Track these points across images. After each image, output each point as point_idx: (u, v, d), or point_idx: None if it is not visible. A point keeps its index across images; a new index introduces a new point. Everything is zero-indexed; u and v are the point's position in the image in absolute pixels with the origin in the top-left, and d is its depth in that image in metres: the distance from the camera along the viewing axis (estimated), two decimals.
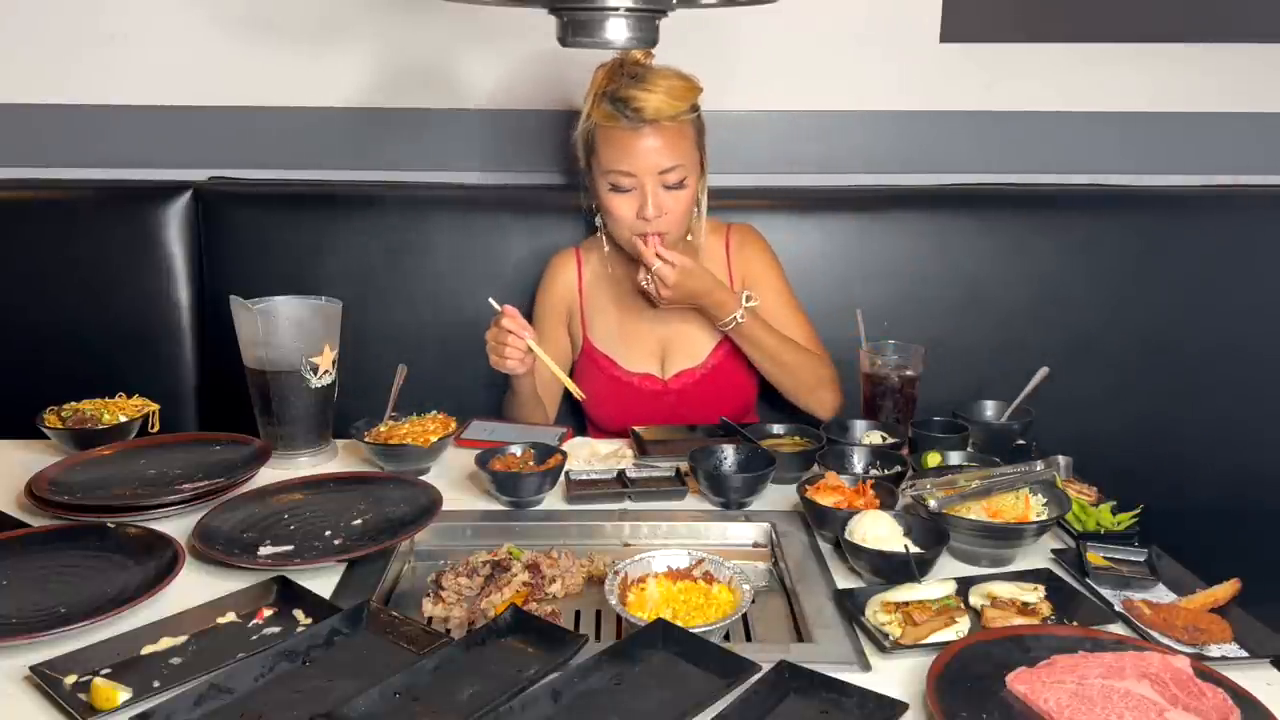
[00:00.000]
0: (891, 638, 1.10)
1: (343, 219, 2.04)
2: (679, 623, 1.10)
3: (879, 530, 1.26)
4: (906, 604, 1.14)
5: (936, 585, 1.17)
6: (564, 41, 1.25)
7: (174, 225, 2.03)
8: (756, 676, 1.01)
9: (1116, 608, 1.18)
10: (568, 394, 1.89)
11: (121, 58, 2.10)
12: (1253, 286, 2.06)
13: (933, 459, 1.49)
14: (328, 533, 1.33)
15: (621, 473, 1.53)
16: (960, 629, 1.11)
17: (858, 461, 1.51)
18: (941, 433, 1.59)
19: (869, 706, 0.97)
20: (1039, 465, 1.40)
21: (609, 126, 1.66)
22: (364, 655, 1.07)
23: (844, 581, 1.25)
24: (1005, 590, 1.18)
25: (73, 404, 1.67)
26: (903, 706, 0.97)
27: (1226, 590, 1.17)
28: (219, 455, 1.57)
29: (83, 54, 2.10)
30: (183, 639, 1.10)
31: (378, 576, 1.26)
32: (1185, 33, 2.11)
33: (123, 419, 1.64)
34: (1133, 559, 1.28)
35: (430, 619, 1.22)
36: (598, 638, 1.20)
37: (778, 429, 1.63)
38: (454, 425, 1.62)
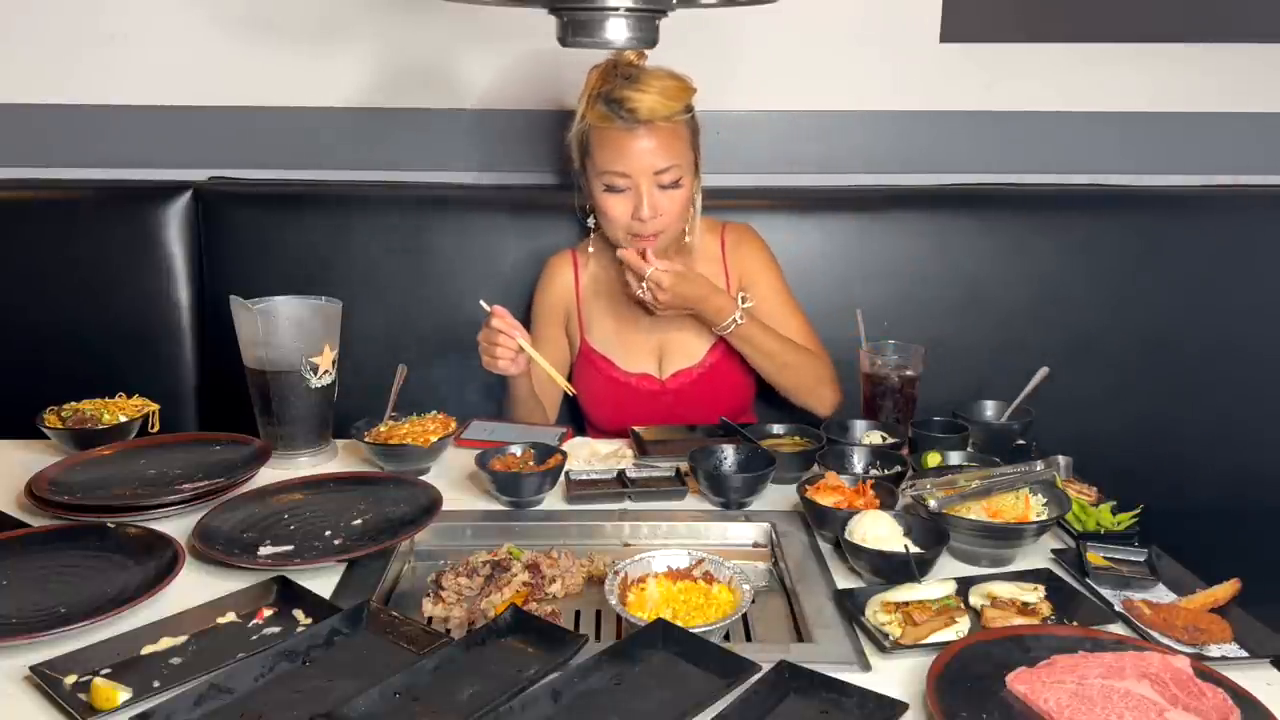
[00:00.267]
0: (891, 638, 1.10)
1: (343, 219, 2.04)
2: (679, 623, 1.10)
3: (879, 530, 1.26)
4: (906, 604, 1.14)
5: (936, 585, 1.17)
6: (564, 42, 1.25)
7: (174, 225, 2.03)
8: (756, 676, 1.01)
9: (1116, 608, 1.18)
10: (568, 394, 1.90)
11: (121, 58, 2.10)
12: (1253, 286, 2.06)
13: (933, 459, 1.49)
14: (328, 533, 1.33)
15: (621, 473, 1.53)
16: (960, 629, 1.11)
17: (858, 461, 1.51)
18: (941, 433, 1.59)
19: (869, 706, 0.97)
20: (1039, 465, 1.40)
21: (603, 127, 1.67)
22: (364, 655, 1.07)
23: (844, 581, 1.25)
24: (1005, 590, 1.18)
25: (73, 404, 1.67)
26: (903, 706, 0.97)
27: (1226, 590, 1.17)
28: (219, 455, 1.57)
29: (83, 54, 2.10)
30: (183, 639, 1.10)
31: (378, 576, 1.26)
32: (1185, 33, 2.11)
33: (123, 419, 1.64)
34: (1133, 559, 1.28)
35: (430, 619, 1.22)
36: (598, 638, 1.20)
37: (778, 429, 1.63)
38: (454, 425, 1.62)
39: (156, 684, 1.02)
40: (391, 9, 2.07)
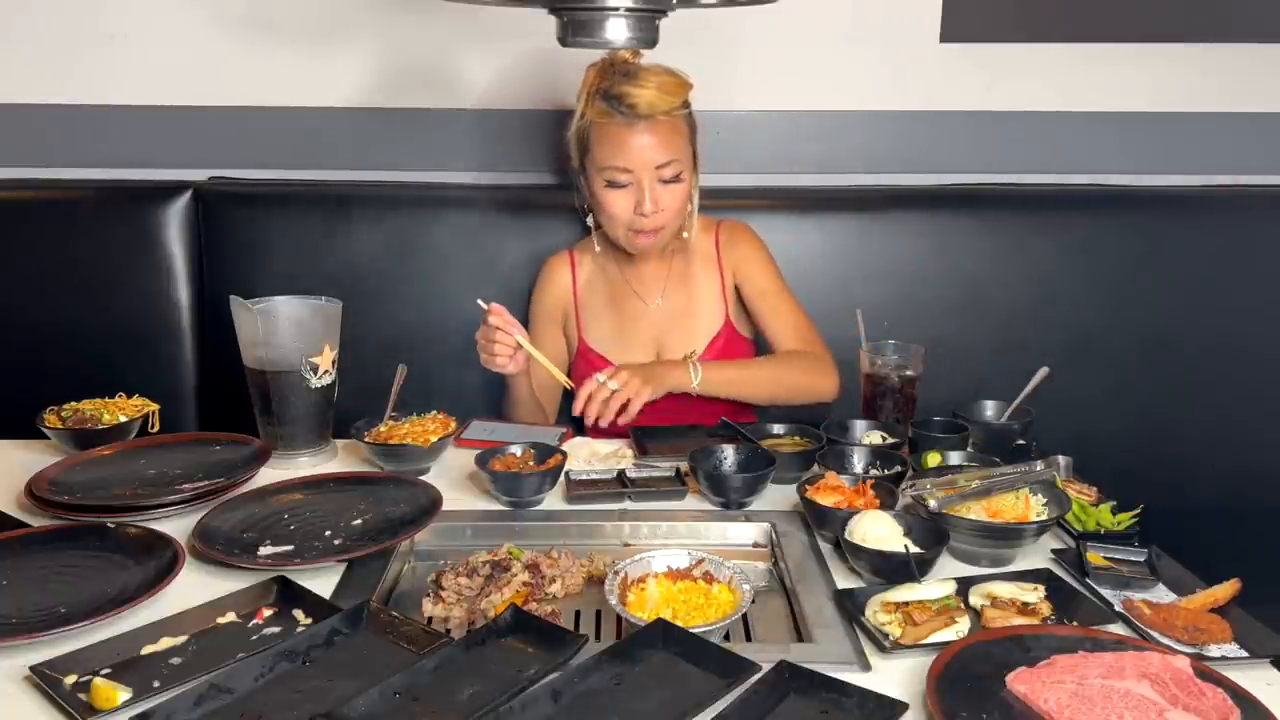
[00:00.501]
0: (891, 638, 1.10)
1: (343, 219, 2.04)
2: (679, 623, 1.10)
3: (879, 530, 1.26)
4: (906, 604, 1.14)
5: (936, 585, 1.17)
6: (564, 42, 1.25)
7: (174, 225, 2.03)
8: (756, 676, 1.01)
9: (1116, 608, 1.18)
10: (567, 395, 1.90)
11: (122, 58, 2.10)
12: (1253, 286, 2.06)
13: (933, 459, 1.49)
14: (328, 533, 1.33)
15: (621, 473, 1.53)
16: (960, 629, 1.11)
17: (858, 461, 1.51)
18: (941, 433, 1.59)
19: (869, 706, 0.97)
20: (1039, 465, 1.40)
21: (603, 123, 1.67)
22: (364, 655, 1.07)
23: (844, 581, 1.25)
24: (1005, 590, 1.18)
25: (73, 404, 1.66)
26: (903, 706, 0.97)
27: (1226, 590, 1.17)
28: (219, 455, 1.57)
29: (83, 54, 2.10)
30: (183, 639, 1.10)
31: (378, 576, 1.26)
32: (1185, 33, 2.11)
33: (123, 419, 1.64)
34: (1133, 559, 1.28)
35: (430, 619, 1.22)
36: (598, 638, 1.20)
37: (778, 429, 1.63)
38: (454, 425, 1.62)
39: (156, 684, 1.02)
40: (391, 9, 2.07)
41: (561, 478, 1.49)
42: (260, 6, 2.08)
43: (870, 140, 2.14)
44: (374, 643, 1.10)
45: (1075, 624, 1.14)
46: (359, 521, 1.37)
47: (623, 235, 1.74)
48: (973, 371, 1.96)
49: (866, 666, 1.08)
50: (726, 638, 1.15)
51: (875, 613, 1.15)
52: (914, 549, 1.21)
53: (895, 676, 1.05)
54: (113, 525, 1.32)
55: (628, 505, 1.46)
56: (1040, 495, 1.33)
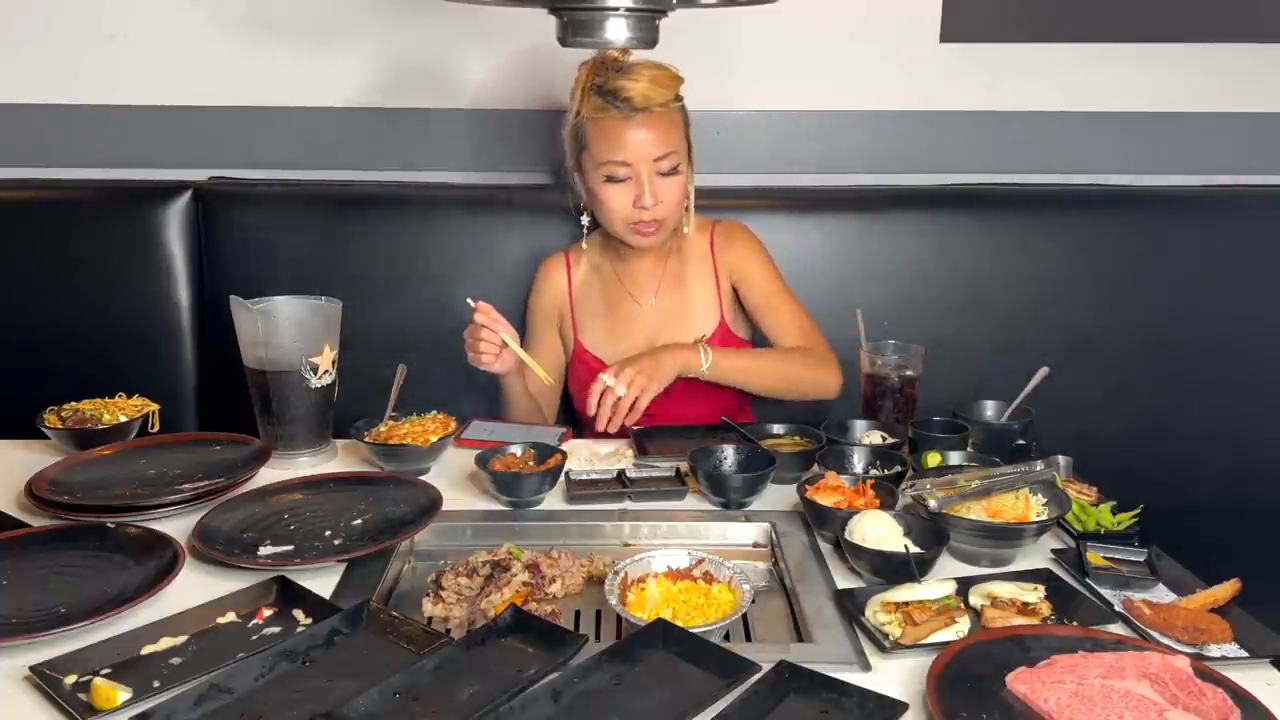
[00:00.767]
0: (891, 638, 1.10)
1: (343, 219, 2.04)
2: (679, 623, 1.10)
3: (879, 530, 1.25)
4: (906, 604, 1.14)
5: (936, 585, 1.17)
6: (564, 41, 1.25)
7: (174, 225, 2.03)
8: (756, 676, 1.01)
9: (1116, 608, 1.17)
10: (566, 396, 1.90)
11: (122, 58, 2.10)
12: (1253, 286, 2.06)
13: (933, 459, 1.49)
14: (328, 533, 1.33)
15: (621, 473, 1.53)
16: (960, 629, 1.11)
17: (858, 461, 1.51)
18: (941, 433, 1.58)
19: (869, 706, 0.97)
20: (1039, 465, 1.40)
21: (600, 118, 1.68)
22: (364, 655, 1.07)
23: (844, 581, 1.25)
24: (1005, 590, 1.18)
25: (73, 404, 1.66)
26: (903, 706, 0.97)
27: (1226, 590, 1.17)
28: (219, 455, 1.57)
29: (83, 54, 2.10)
30: (183, 639, 1.10)
31: (378, 576, 1.26)
32: (1185, 33, 2.11)
33: (123, 419, 1.64)
34: (1133, 559, 1.28)
35: (430, 619, 1.22)
36: (598, 638, 1.20)
37: (778, 429, 1.63)
38: (454, 425, 1.62)
39: (156, 684, 1.02)
40: (391, 9, 2.07)
41: (561, 478, 1.49)
42: (260, 6, 2.08)
43: (870, 140, 2.14)
44: (374, 643, 1.10)
45: (1075, 624, 1.14)
46: (359, 521, 1.37)
47: (623, 231, 1.74)
48: (973, 371, 1.96)
49: (866, 666, 1.08)
50: (726, 638, 1.15)
51: (875, 613, 1.15)
52: (914, 549, 1.21)
53: (895, 676, 1.05)
54: (113, 525, 1.32)
55: (628, 505, 1.46)
56: (1040, 495, 1.33)
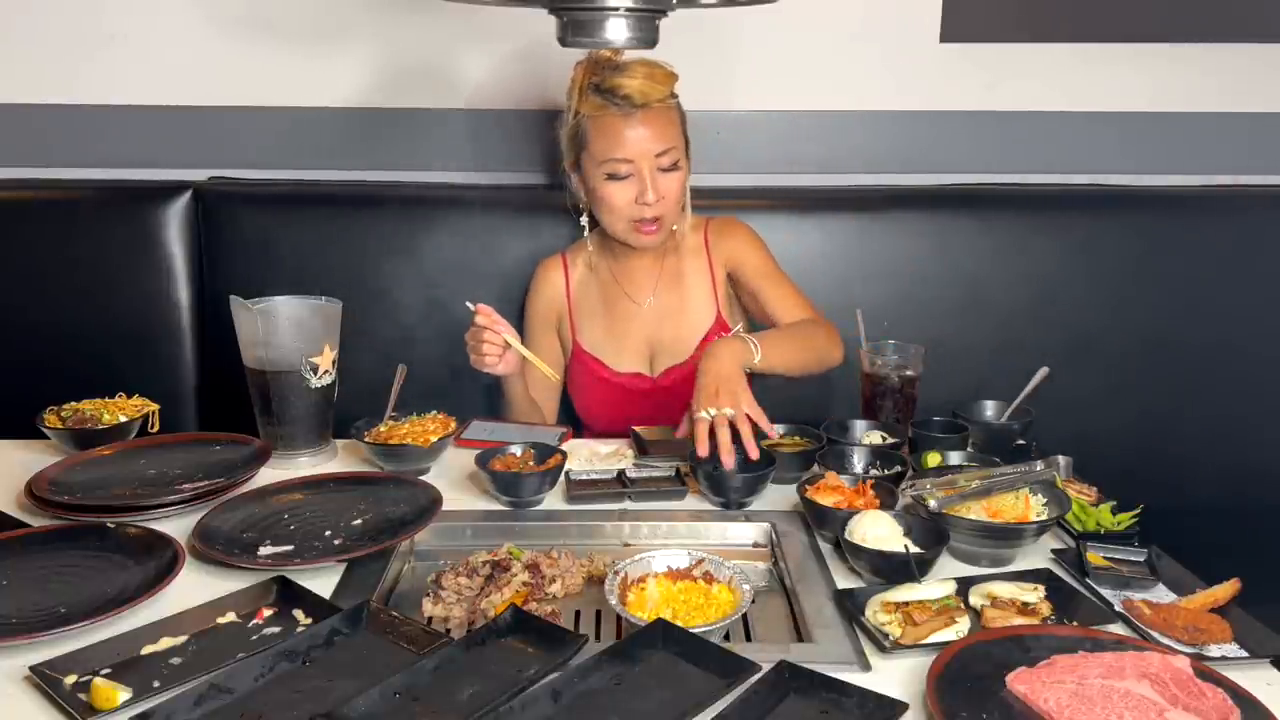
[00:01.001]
0: (891, 638, 1.10)
1: (342, 219, 2.04)
2: (679, 623, 1.10)
3: (879, 530, 1.26)
4: (906, 604, 1.14)
5: (936, 585, 1.17)
6: (564, 41, 1.25)
7: (174, 225, 2.03)
8: (756, 676, 1.01)
9: (1116, 608, 1.18)
10: (565, 397, 1.90)
11: (122, 58, 2.10)
12: (1253, 286, 2.06)
13: (933, 459, 1.49)
14: (328, 533, 1.33)
15: (621, 473, 1.53)
16: (960, 629, 1.11)
17: (858, 461, 1.51)
18: (941, 433, 1.59)
19: (869, 706, 0.97)
20: (1039, 465, 1.40)
21: (599, 116, 1.68)
22: (364, 655, 1.07)
23: (844, 581, 1.25)
24: (1005, 590, 1.18)
25: (73, 404, 1.67)
26: (903, 706, 0.97)
27: (1226, 590, 1.17)
28: (219, 455, 1.57)
29: (83, 54, 2.10)
30: (183, 639, 1.10)
31: (378, 576, 1.26)
32: (1185, 33, 2.11)
33: (123, 419, 1.64)
34: (1133, 559, 1.28)
35: (430, 619, 1.22)
36: (598, 638, 1.20)
37: (778, 429, 1.63)
38: (454, 425, 1.62)
39: (156, 684, 1.02)
40: (391, 9, 2.07)
41: (561, 478, 1.49)
42: (260, 6, 2.08)
43: (870, 140, 2.14)
44: (374, 643, 1.10)
45: (1075, 624, 1.14)
46: (359, 521, 1.37)
47: (624, 230, 1.74)
48: (973, 371, 1.96)
49: (866, 666, 1.08)
50: (726, 638, 1.15)
51: (875, 613, 1.15)
52: (914, 549, 1.21)
53: (895, 676, 1.05)
54: (113, 525, 1.32)
55: (628, 505, 1.46)
56: (1040, 495, 1.33)
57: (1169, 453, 2.06)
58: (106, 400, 1.70)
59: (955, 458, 1.50)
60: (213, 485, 1.45)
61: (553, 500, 1.48)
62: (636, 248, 1.78)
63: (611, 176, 1.70)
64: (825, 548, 1.34)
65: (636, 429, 1.66)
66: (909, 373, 1.67)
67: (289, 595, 1.19)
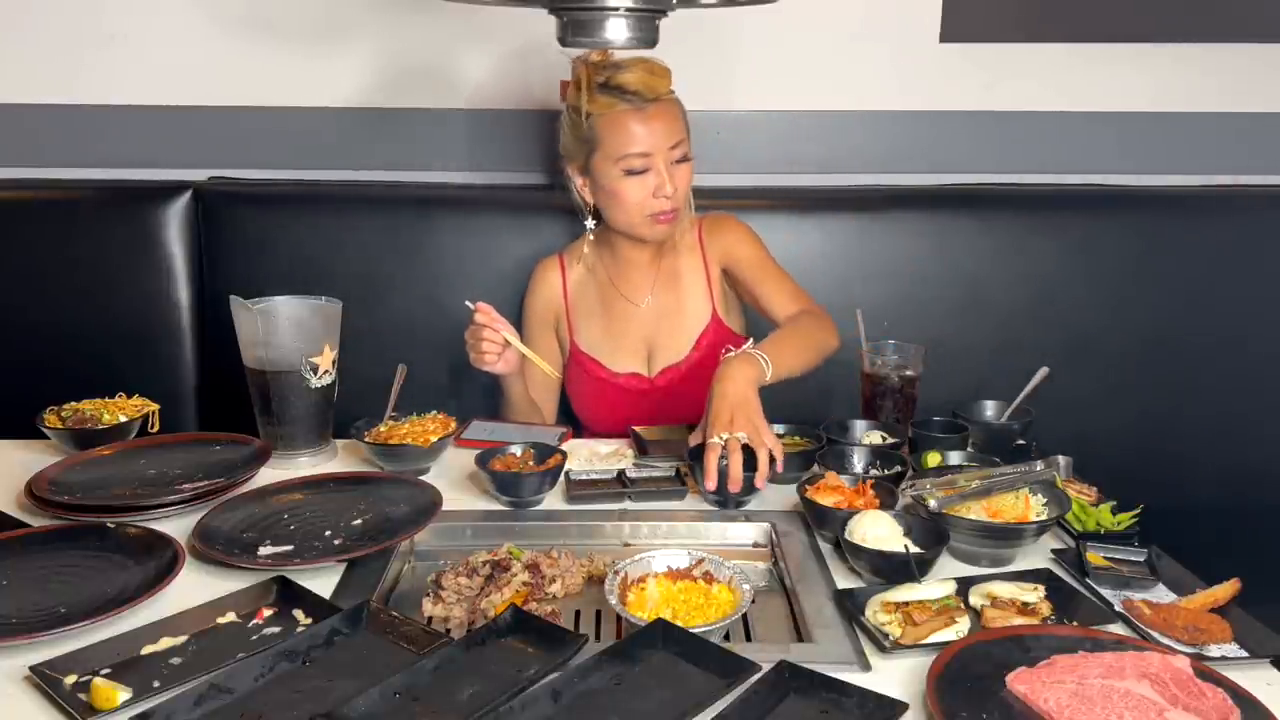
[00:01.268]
0: (891, 638, 1.10)
1: (342, 219, 2.04)
2: (679, 623, 1.10)
3: (879, 530, 1.26)
4: (906, 604, 1.14)
5: (936, 585, 1.17)
6: (564, 42, 1.25)
7: (174, 225, 2.03)
8: (756, 676, 1.01)
9: (1116, 608, 1.18)
10: (564, 398, 1.90)
11: (122, 58, 2.10)
12: (1252, 286, 2.06)
13: (933, 459, 1.49)
14: (328, 533, 1.33)
15: (621, 473, 1.53)
16: (960, 629, 1.11)
17: (858, 461, 1.51)
18: (941, 433, 1.58)
19: (869, 706, 0.97)
20: (1039, 465, 1.40)
21: (611, 114, 1.68)
22: (364, 655, 1.07)
23: (844, 581, 1.25)
24: (1005, 590, 1.18)
25: (73, 404, 1.66)
26: (903, 706, 0.97)
27: (1226, 590, 1.17)
28: (219, 455, 1.57)
29: (83, 54, 2.10)
30: (183, 639, 1.10)
31: (378, 576, 1.26)
32: (1185, 33, 2.11)
33: (123, 419, 1.64)
34: (1133, 559, 1.28)
35: (430, 619, 1.22)
36: (598, 638, 1.20)
37: (778, 429, 1.62)
38: (454, 425, 1.62)
39: (156, 684, 1.02)
40: (390, 9, 2.07)
41: (561, 478, 1.49)
42: (260, 6, 2.08)
43: (870, 140, 2.14)
44: (374, 643, 1.10)
45: (1075, 624, 1.14)
46: (359, 521, 1.37)
47: (640, 223, 1.74)
48: (973, 371, 1.96)
49: (866, 666, 1.08)
50: (726, 638, 1.15)
51: (875, 613, 1.15)
52: (914, 549, 1.21)
53: (895, 676, 1.05)
54: (113, 525, 1.32)
55: (628, 505, 1.46)
56: (1040, 495, 1.33)
57: (1169, 452, 2.06)
58: (106, 400, 1.70)
59: (955, 458, 1.50)
60: (213, 485, 1.45)
61: (553, 500, 1.48)
62: (650, 240, 1.77)
63: (629, 172, 1.70)
64: (825, 548, 1.34)
65: (636, 429, 1.67)
66: (909, 373, 1.67)
67: (289, 595, 1.19)
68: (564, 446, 1.58)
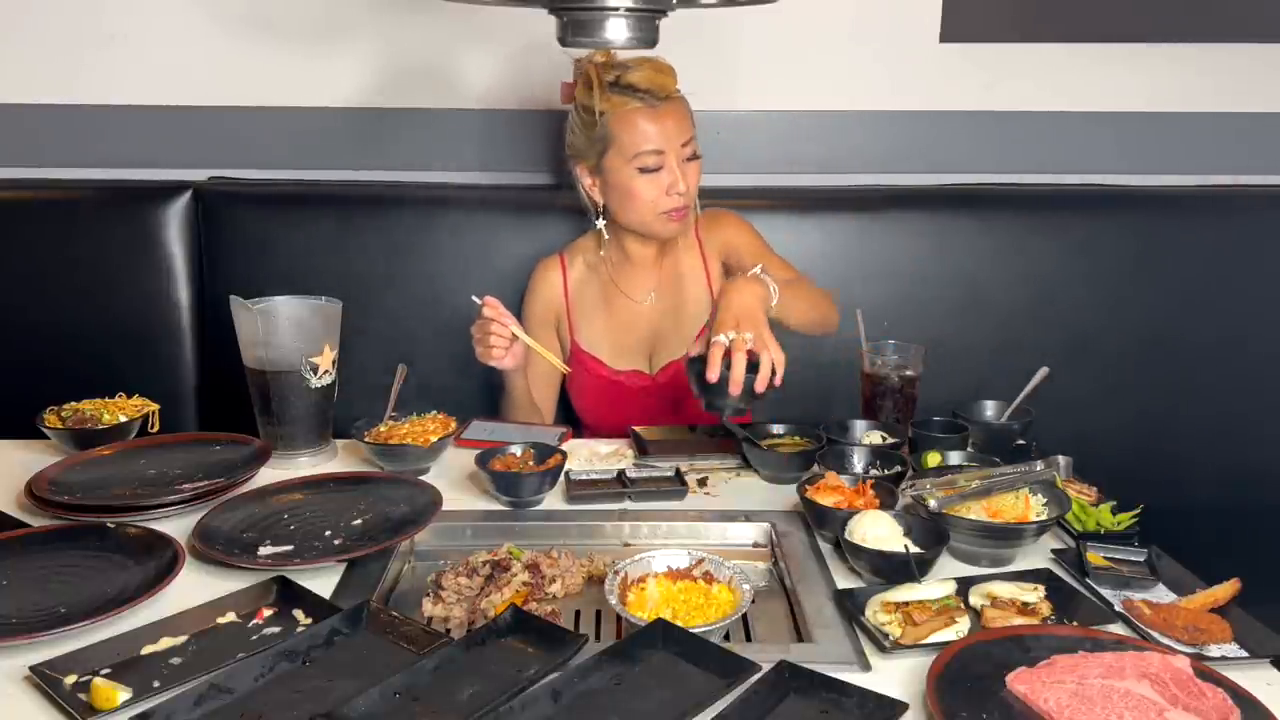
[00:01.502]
0: (891, 638, 1.10)
1: (342, 219, 2.04)
2: (679, 623, 1.10)
3: (879, 530, 1.26)
4: (906, 604, 1.14)
5: (936, 585, 1.17)
6: (564, 42, 1.25)
7: (174, 225, 2.03)
8: (756, 676, 1.01)
9: (1116, 608, 1.18)
10: (564, 398, 1.90)
11: (122, 58, 2.10)
12: (1251, 286, 2.06)
13: (933, 459, 1.49)
14: (328, 533, 1.33)
15: (621, 473, 1.53)
16: (960, 629, 1.11)
17: (858, 461, 1.51)
18: (941, 433, 1.58)
19: (869, 706, 0.98)
20: (1039, 465, 1.40)
21: (624, 112, 1.69)
22: (364, 655, 1.07)
23: (844, 581, 1.25)
24: (1005, 590, 1.18)
25: (73, 404, 1.66)
26: (903, 706, 0.97)
27: (1226, 590, 1.17)
28: (219, 455, 1.57)
29: (83, 54, 2.10)
30: (183, 639, 1.10)
31: (378, 576, 1.26)
32: (1184, 33, 2.11)
33: (123, 419, 1.64)
34: (1133, 559, 1.28)
35: (430, 619, 1.22)
36: (598, 638, 1.20)
37: (778, 429, 1.63)
38: (454, 425, 1.62)
39: (156, 684, 1.02)
40: (391, 9, 2.07)
41: (561, 478, 1.49)
42: (260, 6, 2.08)
43: (870, 140, 2.14)
44: (374, 643, 1.10)
45: (1075, 624, 1.14)
46: (359, 521, 1.37)
47: (653, 220, 1.74)
48: (973, 371, 1.96)
49: (866, 666, 1.08)
50: (726, 638, 1.15)
51: (875, 613, 1.15)
52: (914, 549, 1.21)
53: (895, 676, 1.05)
54: (113, 525, 1.32)
55: (628, 505, 1.46)
56: (1040, 495, 1.33)
57: (1168, 452, 2.06)
58: (106, 400, 1.69)
59: (955, 458, 1.50)
60: (213, 485, 1.45)
61: (553, 500, 1.48)
62: (662, 237, 1.78)
63: (643, 170, 1.70)
64: (825, 548, 1.34)
65: (636, 429, 1.67)
66: (909, 373, 1.67)
67: (289, 595, 1.19)
68: (564, 446, 1.58)
